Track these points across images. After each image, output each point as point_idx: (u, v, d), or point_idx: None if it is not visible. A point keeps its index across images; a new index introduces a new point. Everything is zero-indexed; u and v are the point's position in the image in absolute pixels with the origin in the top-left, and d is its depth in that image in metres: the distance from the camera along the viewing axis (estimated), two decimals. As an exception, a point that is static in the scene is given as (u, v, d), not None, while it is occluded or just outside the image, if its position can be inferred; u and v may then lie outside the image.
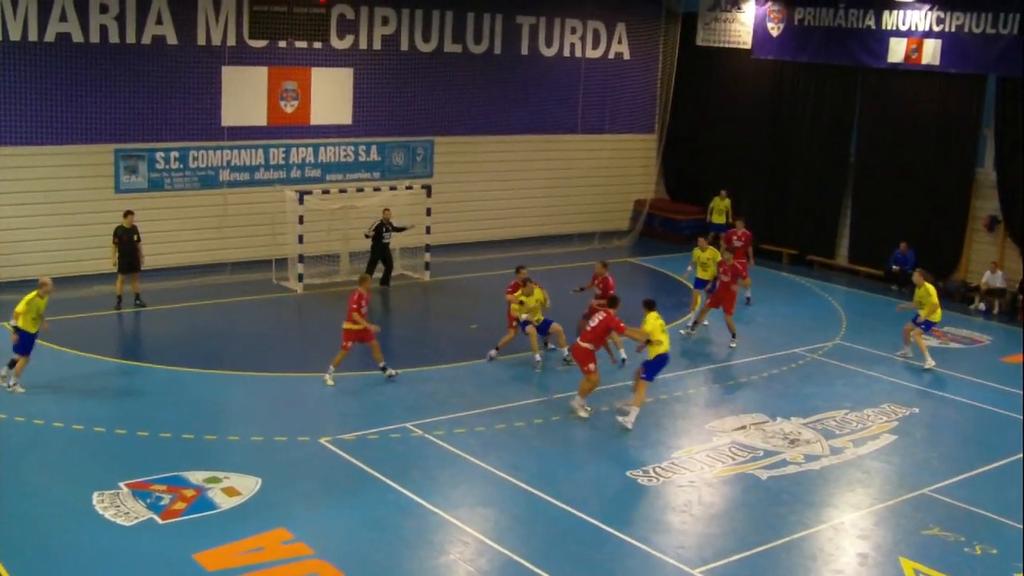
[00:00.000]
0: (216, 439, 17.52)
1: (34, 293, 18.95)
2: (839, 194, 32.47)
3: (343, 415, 19.16)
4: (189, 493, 15.46)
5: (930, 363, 23.03)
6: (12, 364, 19.02)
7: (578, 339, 19.52)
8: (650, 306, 19.41)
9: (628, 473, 16.98)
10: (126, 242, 24.31)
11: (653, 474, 17.00)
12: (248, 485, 15.77)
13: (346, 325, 20.47)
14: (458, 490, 16.19)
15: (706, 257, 25.49)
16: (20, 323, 18.77)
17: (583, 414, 19.18)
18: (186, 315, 24.66)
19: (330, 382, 20.33)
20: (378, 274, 27.45)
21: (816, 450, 18.32)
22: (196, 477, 15.92)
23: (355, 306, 20.34)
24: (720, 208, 32.82)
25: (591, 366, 19.24)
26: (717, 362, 23.27)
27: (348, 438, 17.74)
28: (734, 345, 24.28)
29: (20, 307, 18.83)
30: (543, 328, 22.37)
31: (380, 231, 27.25)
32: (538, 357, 22.00)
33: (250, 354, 22.07)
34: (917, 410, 20.59)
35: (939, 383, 22.37)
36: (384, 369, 20.77)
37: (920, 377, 22.63)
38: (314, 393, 20.13)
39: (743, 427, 19.18)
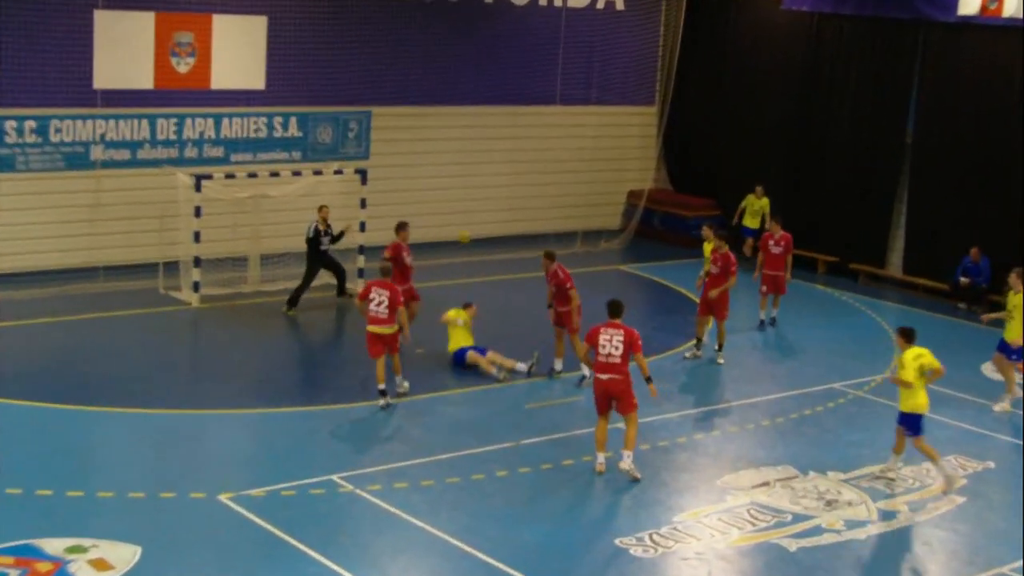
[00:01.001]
0: (82, 496, 17.27)
1: None
2: (891, 185, 32.60)
3: (250, 464, 18.99)
4: (44, 567, 15.17)
5: (1003, 405, 23.02)
6: None
7: (598, 375, 18.93)
8: (909, 337, 19.40)
9: (617, 541, 16.87)
10: None
11: (650, 543, 16.90)
12: (124, 556, 15.52)
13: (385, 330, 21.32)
14: (398, 562, 16.05)
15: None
16: None
17: (637, 475, 18.81)
18: (44, 333, 24.42)
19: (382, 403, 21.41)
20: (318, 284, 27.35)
21: (860, 514, 18.27)
22: (54, 546, 15.64)
23: (399, 301, 21.36)
24: (755, 208, 32.61)
25: (635, 400, 18.91)
26: (732, 399, 23.26)
27: (256, 494, 17.56)
28: (721, 361, 24.83)
29: None
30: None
31: (317, 236, 26.91)
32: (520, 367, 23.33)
33: (129, 385, 21.82)
34: (992, 464, 20.59)
35: (1020, 430, 22.38)
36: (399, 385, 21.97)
37: (996, 423, 22.63)
38: (212, 435, 19.97)
39: (766, 483, 19.11)
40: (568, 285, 22.89)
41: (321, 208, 26.94)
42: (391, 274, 21.94)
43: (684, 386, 23.80)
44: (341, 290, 27.69)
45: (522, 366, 23.26)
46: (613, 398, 18.82)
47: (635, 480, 18.63)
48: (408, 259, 24.01)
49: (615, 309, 19.16)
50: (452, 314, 23.86)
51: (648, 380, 18.76)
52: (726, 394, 23.56)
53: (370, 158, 31.82)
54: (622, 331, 18.75)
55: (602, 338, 18.79)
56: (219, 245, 27.97)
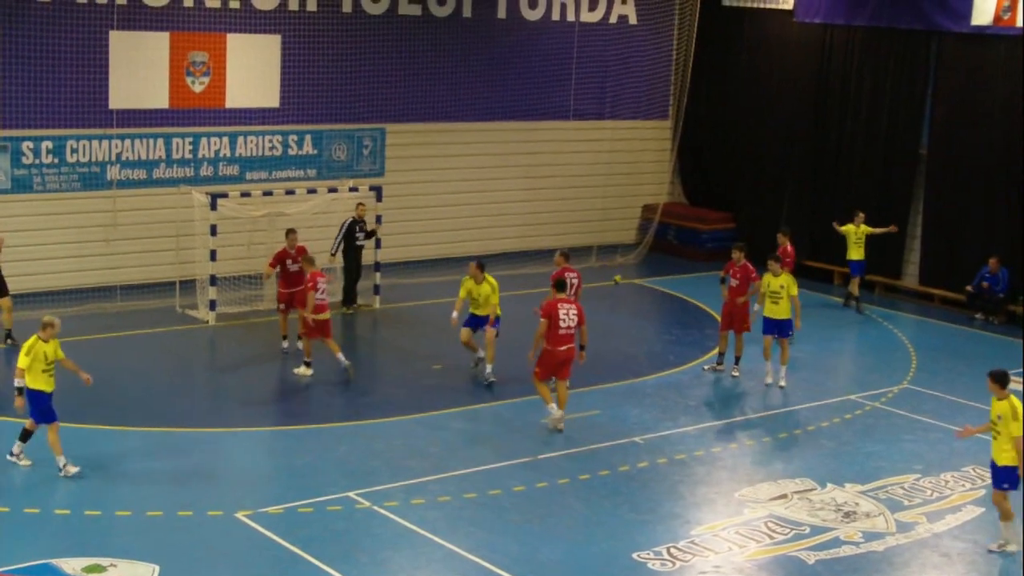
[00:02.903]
0: (100, 515, 17.31)
1: (34, 338, 18.34)
2: (906, 197, 32.55)
3: (267, 482, 19.04)
4: (63, 585, 15.25)
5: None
6: (26, 435, 18.68)
7: (557, 347, 20.84)
8: (1003, 380, 17.20)
9: (635, 555, 16.86)
10: None
11: (667, 557, 16.90)
12: (141, 575, 15.53)
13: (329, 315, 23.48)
14: (415, 579, 16.10)
15: (779, 285, 24.09)
16: (41, 383, 18.25)
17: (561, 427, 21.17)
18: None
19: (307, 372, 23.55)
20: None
21: (879, 526, 18.24)
22: (72, 566, 15.66)
23: (311, 285, 23.20)
24: (858, 238, 30.39)
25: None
26: (749, 412, 23.25)
27: (273, 511, 17.59)
28: (736, 374, 24.72)
29: (22, 359, 18.18)
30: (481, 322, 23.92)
31: (352, 231, 27.62)
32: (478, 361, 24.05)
33: (146, 404, 21.90)
34: (1010, 474, 20.50)
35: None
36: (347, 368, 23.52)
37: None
38: (229, 453, 19.98)
39: (784, 496, 19.09)
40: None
41: (358, 205, 27.81)
42: (314, 264, 23.76)
43: (701, 399, 23.78)
44: (351, 299, 28.22)
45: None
46: (564, 364, 20.99)
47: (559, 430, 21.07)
48: (292, 266, 24.98)
49: (561, 285, 21.43)
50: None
51: (582, 348, 21.29)
52: (743, 407, 23.52)
53: (385, 175, 31.86)
54: (574, 305, 21.21)
55: (561, 312, 20.82)
56: (235, 263, 28.03)
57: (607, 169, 35.82)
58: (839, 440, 21.77)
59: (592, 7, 34.76)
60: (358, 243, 27.86)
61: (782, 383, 24.22)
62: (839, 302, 31.30)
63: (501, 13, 33.32)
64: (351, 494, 18.29)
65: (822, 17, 33.60)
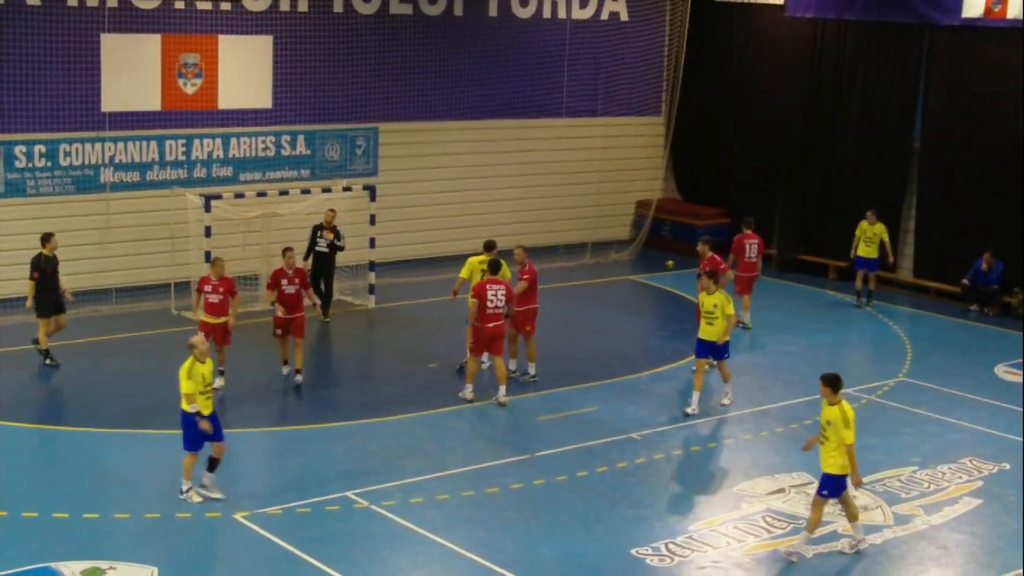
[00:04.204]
0: (98, 518, 17.32)
1: (190, 360, 18.03)
2: (900, 190, 32.58)
3: (264, 482, 19.02)
4: (62, 589, 15.24)
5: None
6: (212, 465, 18.22)
7: (486, 324, 22.03)
8: (835, 385, 16.99)
9: (633, 551, 16.88)
10: (50, 275, 23.86)
11: (666, 552, 16.92)
12: (140, 577, 15.62)
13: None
14: (414, 578, 16.10)
15: (712, 304, 22.36)
16: (200, 405, 17.83)
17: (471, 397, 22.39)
18: (58, 356, 24.37)
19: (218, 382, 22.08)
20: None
21: (876, 519, 18.26)
22: (71, 569, 15.68)
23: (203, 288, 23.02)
24: (869, 235, 30.14)
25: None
26: (745, 406, 23.20)
27: (272, 512, 17.60)
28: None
29: (186, 384, 17.79)
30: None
31: (314, 236, 27.39)
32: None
33: (142, 406, 21.81)
34: (1008, 466, 20.53)
35: (1034, 430, 22.33)
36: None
37: (1011, 424, 22.56)
38: (226, 454, 19.92)
39: (781, 490, 19.13)
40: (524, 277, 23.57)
41: (328, 211, 27.49)
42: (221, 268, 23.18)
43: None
44: (323, 308, 27.56)
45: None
46: (494, 340, 22.23)
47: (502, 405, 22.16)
48: (288, 287, 23.20)
49: (496, 267, 22.59)
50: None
51: (508, 316, 22.57)
52: (739, 401, 23.44)
53: (378, 174, 31.87)
54: (503, 285, 22.31)
55: (489, 293, 22.06)
56: (230, 264, 27.88)
57: (601, 166, 35.85)
58: (835, 434, 21.77)
59: (583, 4, 34.75)
60: (318, 248, 27.39)
61: (726, 401, 23.02)
62: (834, 296, 31.33)
63: (492, 11, 33.32)
64: (349, 494, 18.30)
65: (813, 11, 33.60)
